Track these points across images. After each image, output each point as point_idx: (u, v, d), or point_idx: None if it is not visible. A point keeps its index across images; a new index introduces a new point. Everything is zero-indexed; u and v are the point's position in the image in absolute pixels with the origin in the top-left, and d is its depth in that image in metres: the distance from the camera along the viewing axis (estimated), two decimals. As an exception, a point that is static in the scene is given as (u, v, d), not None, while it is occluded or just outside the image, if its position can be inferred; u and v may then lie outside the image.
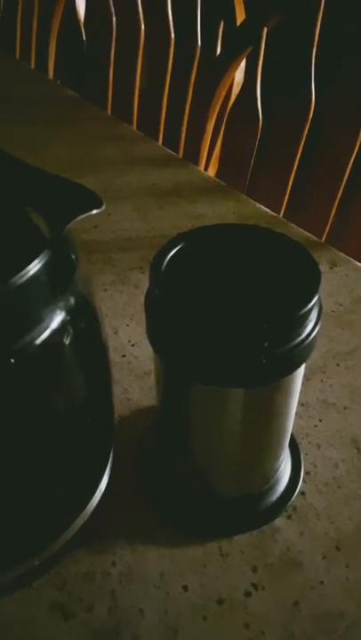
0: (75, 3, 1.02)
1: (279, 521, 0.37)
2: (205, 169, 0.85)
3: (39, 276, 0.23)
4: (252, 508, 0.38)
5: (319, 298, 0.29)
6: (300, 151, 0.72)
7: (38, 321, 0.24)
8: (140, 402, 0.45)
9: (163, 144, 0.84)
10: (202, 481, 0.37)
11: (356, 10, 0.65)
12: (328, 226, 0.68)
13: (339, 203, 0.68)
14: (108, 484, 0.38)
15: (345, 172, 0.67)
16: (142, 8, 0.88)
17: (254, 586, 0.35)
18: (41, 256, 0.23)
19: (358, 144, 0.66)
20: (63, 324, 0.25)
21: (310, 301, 0.27)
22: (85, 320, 0.28)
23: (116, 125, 0.85)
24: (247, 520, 0.37)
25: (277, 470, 0.38)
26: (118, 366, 0.47)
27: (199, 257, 0.30)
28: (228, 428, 0.33)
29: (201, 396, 0.31)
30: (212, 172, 0.86)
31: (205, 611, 0.34)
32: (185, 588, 0.34)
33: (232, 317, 0.28)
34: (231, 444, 0.34)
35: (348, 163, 0.67)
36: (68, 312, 0.26)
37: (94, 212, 0.24)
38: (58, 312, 0.25)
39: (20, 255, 0.23)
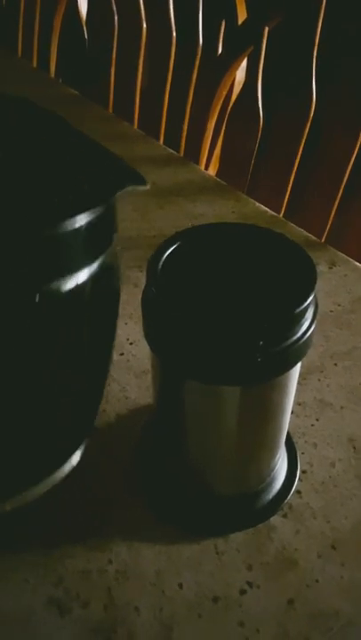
0: (77, 1, 1.03)
1: (275, 519, 0.38)
2: (206, 168, 0.85)
3: (83, 228, 0.25)
4: (248, 507, 0.38)
5: (315, 297, 0.29)
6: (300, 151, 0.72)
7: (72, 270, 0.26)
8: (138, 400, 0.45)
9: (163, 143, 0.84)
10: (198, 479, 0.37)
11: (357, 10, 0.65)
12: (328, 226, 0.68)
13: (339, 203, 0.68)
14: (107, 479, 0.38)
15: (345, 172, 0.67)
16: (144, 7, 0.88)
17: (249, 584, 0.35)
18: (89, 211, 0.25)
19: (359, 144, 0.66)
20: (92, 280, 0.27)
21: (305, 300, 0.27)
22: (110, 285, 0.30)
23: (117, 124, 0.85)
24: (243, 518, 0.37)
25: (273, 469, 0.38)
26: (116, 364, 0.48)
27: (197, 256, 0.31)
28: (223, 427, 0.33)
29: (197, 394, 0.32)
30: (212, 171, 0.86)
31: (201, 608, 0.34)
32: (180, 585, 0.35)
33: (228, 316, 0.28)
34: (227, 443, 0.34)
35: (348, 163, 0.67)
36: (100, 270, 0.27)
37: (140, 188, 0.27)
38: (91, 267, 0.27)
39: (71, 209, 0.25)
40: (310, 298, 0.27)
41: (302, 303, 0.27)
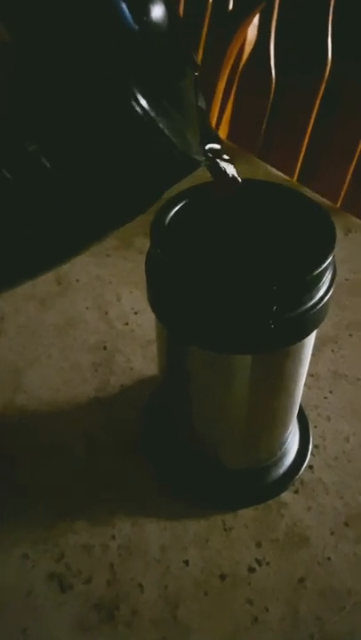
0: None
1: (286, 495, 0.36)
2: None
3: None
4: (258, 482, 0.36)
5: (333, 260, 0.27)
6: (314, 113, 0.68)
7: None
8: (144, 371, 0.43)
9: (171, 106, 0.81)
10: (206, 452, 0.36)
11: None
12: (343, 191, 0.65)
13: (354, 168, 0.65)
14: (112, 451, 0.37)
15: (361, 135, 0.64)
16: None
17: (258, 561, 0.33)
18: None
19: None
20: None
21: (323, 262, 0.25)
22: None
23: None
24: (252, 493, 0.36)
25: (285, 443, 0.36)
26: (121, 334, 0.46)
27: (205, 215, 0.28)
28: (233, 398, 0.31)
29: (205, 364, 0.30)
30: (222, 134, 0.83)
31: (207, 586, 0.32)
32: (186, 562, 0.33)
33: (239, 279, 0.26)
34: (237, 415, 0.32)
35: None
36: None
37: None
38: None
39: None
40: (329, 259, 0.25)
41: (320, 265, 0.25)
